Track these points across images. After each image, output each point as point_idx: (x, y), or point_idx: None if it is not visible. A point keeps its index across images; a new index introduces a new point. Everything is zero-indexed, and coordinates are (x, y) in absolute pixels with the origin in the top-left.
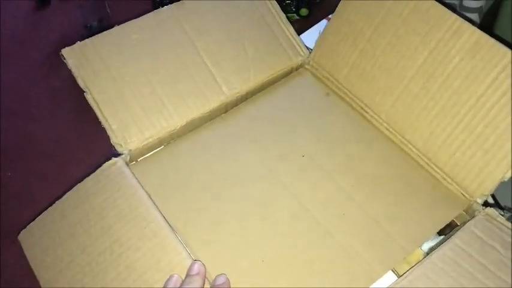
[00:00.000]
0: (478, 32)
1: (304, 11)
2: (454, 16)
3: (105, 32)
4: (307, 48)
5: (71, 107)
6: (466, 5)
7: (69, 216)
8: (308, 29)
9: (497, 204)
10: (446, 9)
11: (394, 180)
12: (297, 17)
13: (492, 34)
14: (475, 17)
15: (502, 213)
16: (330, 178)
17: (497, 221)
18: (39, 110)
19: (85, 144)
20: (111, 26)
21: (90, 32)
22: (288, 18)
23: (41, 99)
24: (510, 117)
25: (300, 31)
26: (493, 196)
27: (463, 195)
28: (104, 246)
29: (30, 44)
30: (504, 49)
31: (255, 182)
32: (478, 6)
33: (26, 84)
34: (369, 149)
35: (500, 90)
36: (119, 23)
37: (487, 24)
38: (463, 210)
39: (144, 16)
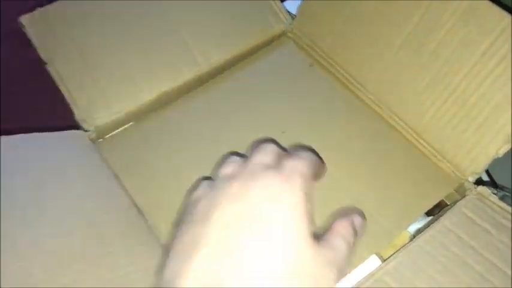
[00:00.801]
0: None
1: None
2: None
3: None
4: (291, 15)
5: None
6: None
7: None
8: None
9: (491, 183)
10: None
11: (381, 157)
12: None
13: None
14: None
15: (495, 191)
16: None
17: (490, 201)
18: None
19: (63, 114)
20: None
21: None
22: None
23: (15, 71)
24: (507, 87)
25: None
26: (487, 173)
27: (454, 173)
28: None
29: (3, 14)
30: (501, 13)
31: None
32: None
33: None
34: (354, 124)
35: (496, 57)
36: None
37: None
38: (454, 190)
39: None
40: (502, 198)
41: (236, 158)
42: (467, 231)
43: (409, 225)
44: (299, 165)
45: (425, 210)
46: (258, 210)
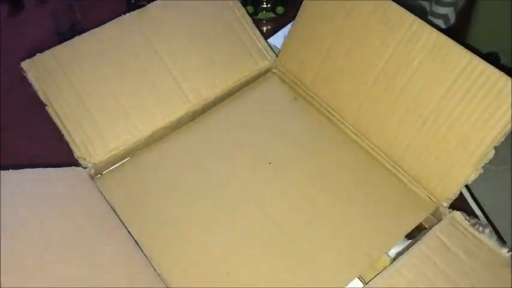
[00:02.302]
0: (436, 33)
1: (280, 9)
2: (413, 17)
3: (65, 42)
4: (277, 49)
5: (46, 115)
6: None
7: None
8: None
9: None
10: (404, 9)
11: (361, 185)
12: (273, 15)
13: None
14: (450, 11)
15: (468, 218)
16: (296, 185)
17: (462, 227)
18: (14, 118)
19: (62, 153)
20: (84, 31)
21: (63, 38)
22: (264, 16)
23: (15, 107)
24: (472, 118)
25: (276, 29)
26: (474, 199)
27: (430, 199)
28: None
29: (4, 51)
30: (463, 50)
31: (220, 193)
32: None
33: (0, 92)
34: (336, 154)
35: (460, 92)
36: (93, 27)
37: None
38: (431, 214)
39: (105, 25)
40: (473, 225)
41: None
42: (442, 257)
43: (389, 248)
44: None
45: (404, 234)
46: None
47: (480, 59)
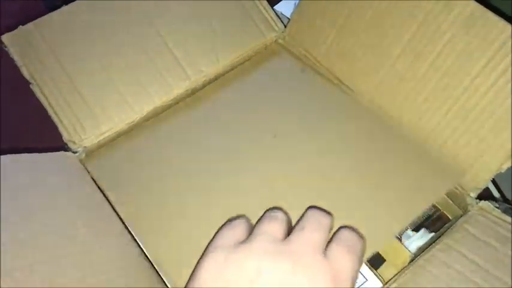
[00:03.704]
0: (473, 4)
1: None
2: None
3: (51, 13)
4: (285, 18)
5: (28, 94)
6: None
7: None
8: None
9: (502, 196)
10: None
11: (378, 156)
12: None
13: (489, 5)
14: None
15: (497, 205)
16: (303, 158)
17: (493, 215)
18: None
19: (48, 136)
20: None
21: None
22: None
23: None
24: (508, 101)
25: None
26: (497, 187)
27: (455, 188)
28: None
29: None
30: (502, 23)
31: (220, 171)
32: None
33: None
34: (349, 125)
35: (497, 70)
36: None
37: None
38: (456, 205)
39: None
40: (505, 211)
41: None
42: (470, 248)
43: (409, 220)
44: (348, 265)
45: (429, 205)
46: None
47: None
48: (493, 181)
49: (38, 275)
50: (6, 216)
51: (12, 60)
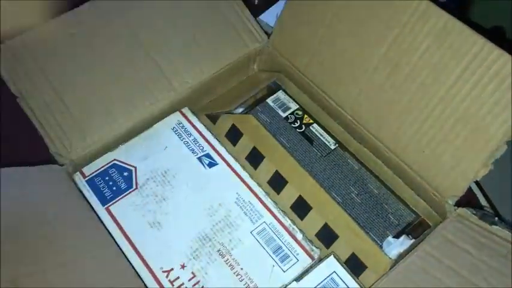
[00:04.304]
0: (447, 16)
1: None
2: None
3: (37, 28)
4: (268, 28)
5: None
6: None
7: None
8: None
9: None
10: None
11: None
12: None
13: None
14: None
15: (475, 211)
16: None
17: (470, 221)
18: None
19: (34, 150)
20: None
21: None
22: None
23: None
24: (483, 111)
25: (269, 4)
26: (485, 196)
27: (434, 195)
28: None
29: None
30: (475, 36)
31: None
32: None
33: None
34: None
35: (471, 80)
36: None
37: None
38: (435, 212)
39: (80, 7)
40: (482, 218)
41: None
42: (448, 254)
43: None
44: None
45: None
46: None
47: (494, 45)
48: (481, 189)
49: None
50: None
51: None
